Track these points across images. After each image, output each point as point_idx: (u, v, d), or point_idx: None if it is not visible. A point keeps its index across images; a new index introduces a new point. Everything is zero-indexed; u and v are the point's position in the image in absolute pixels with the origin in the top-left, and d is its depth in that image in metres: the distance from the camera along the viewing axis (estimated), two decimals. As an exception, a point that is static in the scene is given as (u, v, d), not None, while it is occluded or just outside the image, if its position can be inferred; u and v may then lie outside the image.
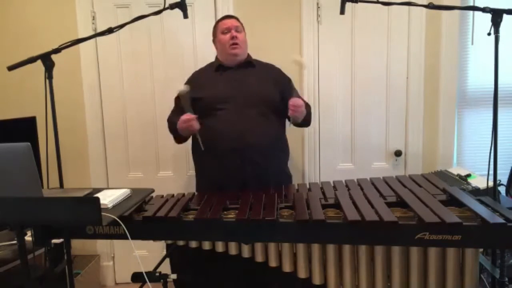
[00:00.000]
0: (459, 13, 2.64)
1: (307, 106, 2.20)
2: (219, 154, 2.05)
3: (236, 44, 2.13)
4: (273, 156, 2.12)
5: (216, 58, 2.27)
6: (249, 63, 2.22)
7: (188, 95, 1.99)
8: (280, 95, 2.16)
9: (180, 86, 2.07)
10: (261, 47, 2.41)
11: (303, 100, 2.12)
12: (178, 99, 2.24)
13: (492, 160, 1.65)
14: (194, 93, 2.13)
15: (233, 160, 2.03)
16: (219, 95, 2.09)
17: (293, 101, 2.00)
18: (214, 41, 2.26)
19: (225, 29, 2.15)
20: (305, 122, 2.20)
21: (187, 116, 1.98)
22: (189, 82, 2.25)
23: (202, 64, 2.74)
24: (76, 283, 2.52)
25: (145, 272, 1.67)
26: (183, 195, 1.87)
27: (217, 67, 2.21)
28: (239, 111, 2.06)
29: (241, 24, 2.23)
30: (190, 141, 2.25)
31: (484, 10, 1.65)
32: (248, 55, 2.25)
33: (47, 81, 1.76)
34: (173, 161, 2.85)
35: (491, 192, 1.71)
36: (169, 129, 2.24)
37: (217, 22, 2.24)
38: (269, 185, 1.99)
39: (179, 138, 2.19)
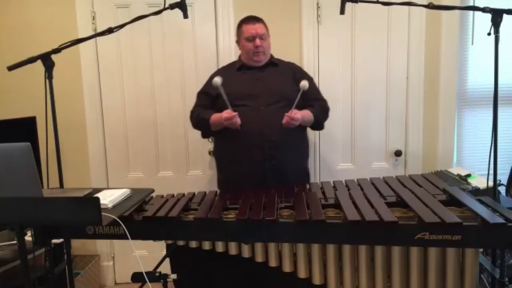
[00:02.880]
0: (459, 13, 2.64)
1: (321, 112, 2.24)
2: (239, 150, 2.10)
3: (259, 52, 2.17)
4: (292, 153, 2.15)
5: (239, 57, 2.31)
6: (271, 63, 2.26)
7: (221, 85, 2.00)
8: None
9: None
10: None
11: (314, 108, 2.19)
12: (201, 94, 2.29)
13: (492, 160, 1.65)
14: (216, 89, 2.15)
15: (253, 155, 2.09)
16: (240, 92, 2.12)
17: (291, 112, 2.01)
18: (237, 42, 2.29)
19: (249, 37, 2.16)
20: (316, 125, 2.27)
21: (229, 114, 2.00)
22: (210, 78, 2.26)
23: (202, 64, 2.76)
24: (76, 283, 2.52)
25: (145, 272, 1.67)
26: (183, 195, 1.87)
27: (239, 66, 2.25)
28: (260, 108, 2.11)
29: (267, 28, 2.23)
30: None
31: (484, 10, 1.65)
32: (271, 55, 2.29)
33: (47, 81, 1.76)
34: (173, 161, 2.85)
35: (491, 192, 1.71)
36: (195, 124, 2.27)
37: (242, 23, 2.23)
38: (287, 182, 2.05)
39: (208, 133, 2.25)
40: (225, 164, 2.26)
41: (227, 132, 2.09)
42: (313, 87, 2.30)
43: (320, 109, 2.24)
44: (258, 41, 2.15)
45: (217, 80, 1.97)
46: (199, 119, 2.20)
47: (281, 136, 2.09)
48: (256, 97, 2.12)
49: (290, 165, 2.14)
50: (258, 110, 2.10)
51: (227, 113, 2.01)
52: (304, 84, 2.00)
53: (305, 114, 2.12)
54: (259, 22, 2.20)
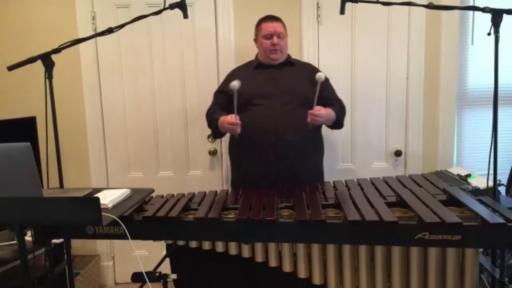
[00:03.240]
0: (459, 13, 2.64)
1: (340, 110, 2.24)
2: (254, 149, 2.11)
3: (276, 50, 2.18)
4: (306, 152, 2.15)
5: (256, 56, 2.33)
6: (288, 62, 2.28)
7: (237, 90, 1.95)
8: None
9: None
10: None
11: (334, 106, 2.19)
12: (218, 93, 2.30)
13: (492, 160, 1.65)
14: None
15: (267, 155, 2.09)
16: (256, 91, 2.13)
17: (315, 109, 2.00)
18: (255, 40, 2.30)
19: (267, 34, 2.18)
20: (337, 124, 2.26)
21: (233, 119, 1.99)
22: (228, 77, 2.31)
23: (202, 63, 2.76)
24: (76, 283, 2.52)
25: (145, 272, 1.67)
26: (183, 195, 1.87)
27: (256, 65, 2.26)
28: (275, 107, 2.12)
29: (285, 28, 2.25)
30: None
31: (484, 10, 1.65)
32: (288, 55, 2.30)
33: (47, 81, 1.76)
34: (173, 161, 2.85)
35: (491, 192, 1.71)
36: (208, 123, 2.28)
37: (260, 22, 2.25)
38: (300, 181, 2.04)
39: (217, 133, 2.25)
40: (239, 163, 2.27)
41: (242, 132, 2.08)
42: (329, 87, 2.31)
43: (339, 108, 2.24)
44: (275, 39, 2.16)
45: (235, 84, 1.91)
46: (212, 118, 2.21)
47: (296, 136, 2.10)
48: (272, 96, 2.13)
49: (303, 165, 2.14)
50: (274, 109, 2.11)
51: (232, 118, 2.00)
52: (320, 75, 1.96)
53: (328, 112, 2.12)
54: (277, 21, 2.22)
